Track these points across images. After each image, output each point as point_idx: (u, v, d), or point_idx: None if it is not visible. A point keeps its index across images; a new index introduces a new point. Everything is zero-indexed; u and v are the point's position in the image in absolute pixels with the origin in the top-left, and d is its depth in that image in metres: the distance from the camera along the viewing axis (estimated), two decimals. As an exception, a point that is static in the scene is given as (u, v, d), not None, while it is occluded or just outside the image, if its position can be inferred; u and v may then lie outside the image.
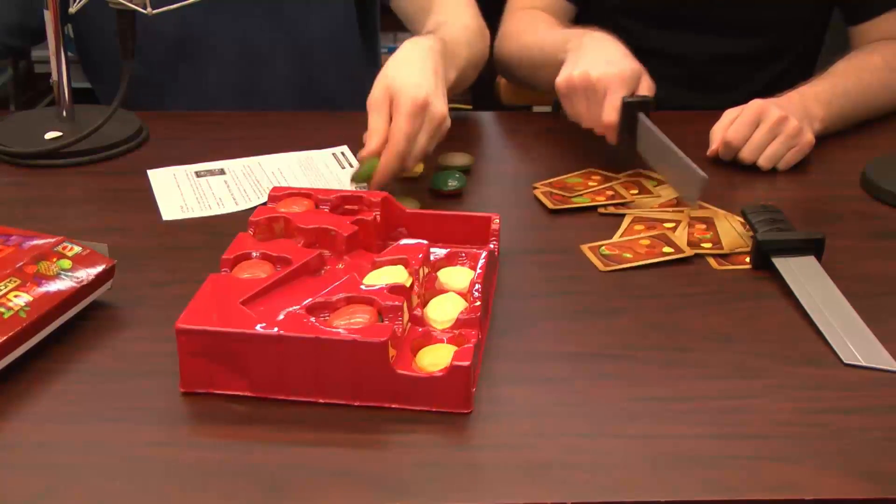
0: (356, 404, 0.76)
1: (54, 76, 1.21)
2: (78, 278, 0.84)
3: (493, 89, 1.76)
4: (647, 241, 1.00)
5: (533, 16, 1.40)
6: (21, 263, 0.83)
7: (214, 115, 1.34)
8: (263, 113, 1.35)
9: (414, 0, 1.37)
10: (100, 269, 0.86)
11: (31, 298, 0.80)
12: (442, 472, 0.70)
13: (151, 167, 1.17)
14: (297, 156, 1.21)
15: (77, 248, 0.87)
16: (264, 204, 0.96)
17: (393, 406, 0.76)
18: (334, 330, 0.76)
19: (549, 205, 1.07)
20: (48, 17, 1.17)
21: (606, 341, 0.86)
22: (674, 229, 1.03)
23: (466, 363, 0.74)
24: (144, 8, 1.11)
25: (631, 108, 1.11)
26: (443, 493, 0.69)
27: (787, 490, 0.69)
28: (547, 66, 1.24)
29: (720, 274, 0.96)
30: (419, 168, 1.14)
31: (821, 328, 0.86)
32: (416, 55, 1.09)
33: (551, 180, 1.14)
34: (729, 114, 1.18)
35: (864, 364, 0.82)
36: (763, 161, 1.16)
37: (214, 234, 1.00)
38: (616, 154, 1.16)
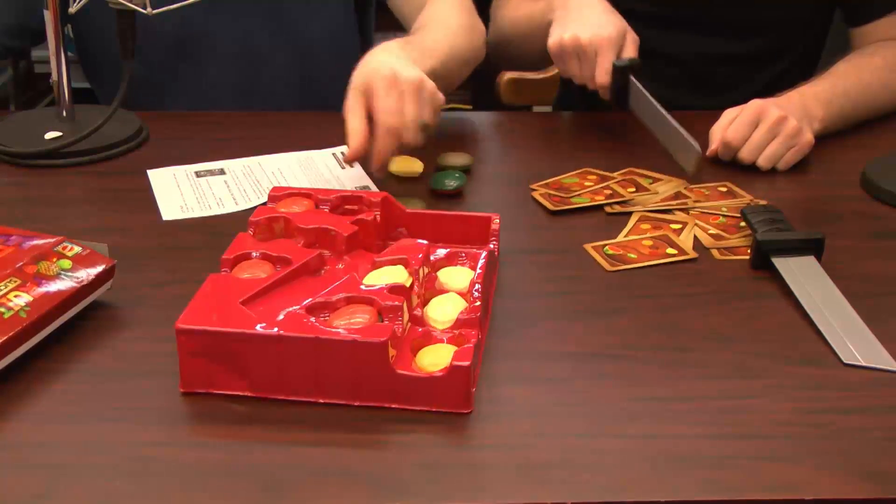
0: (356, 404, 0.76)
1: (54, 76, 1.21)
2: (78, 278, 0.84)
3: (493, 89, 1.76)
4: (649, 242, 1.00)
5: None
6: (21, 263, 0.83)
7: (214, 115, 1.34)
8: (263, 113, 1.35)
9: (409, 0, 1.37)
10: (100, 269, 0.86)
11: (31, 298, 0.80)
12: (442, 472, 0.70)
13: (151, 167, 1.17)
14: (297, 156, 1.21)
15: (77, 248, 0.87)
16: (264, 204, 0.96)
17: (393, 406, 0.76)
18: (334, 330, 0.76)
19: (550, 206, 1.07)
20: (48, 17, 1.17)
21: (606, 341, 0.86)
22: (679, 232, 1.03)
23: (466, 363, 0.74)
24: (144, 8, 1.11)
25: (622, 70, 1.20)
26: (443, 493, 0.69)
27: (787, 490, 0.69)
28: (536, 32, 1.29)
29: (720, 274, 0.96)
30: (419, 168, 1.14)
31: (821, 328, 0.86)
32: (377, 54, 1.11)
33: (548, 181, 1.14)
34: (728, 114, 1.18)
35: (863, 364, 0.82)
36: (762, 161, 1.16)
37: (214, 234, 1.00)
38: (610, 108, 1.24)
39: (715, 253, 0.99)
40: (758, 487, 0.69)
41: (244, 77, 1.41)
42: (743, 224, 1.02)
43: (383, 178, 1.11)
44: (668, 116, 1.15)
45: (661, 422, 0.76)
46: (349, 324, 0.78)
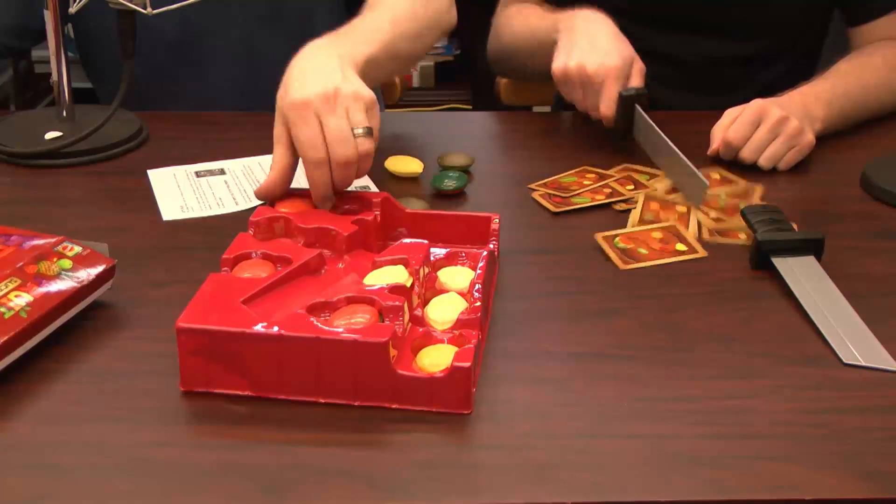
0: (356, 404, 0.76)
1: (54, 76, 1.21)
2: (78, 278, 0.84)
3: (493, 89, 1.76)
4: (659, 235, 1.00)
5: (524, 7, 1.41)
6: (21, 263, 0.83)
7: (214, 115, 1.34)
8: (263, 113, 1.34)
9: None
10: (100, 269, 0.86)
11: (31, 298, 0.80)
12: (442, 472, 0.70)
13: (151, 167, 1.17)
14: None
15: (77, 248, 0.87)
16: (264, 204, 0.96)
17: (393, 406, 0.76)
18: (334, 330, 0.76)
19: (552, 207, 1.07)
20: (48, 17, 1.17)
21: (606, 341, 0.86)
22: (686, 218, 1.04)
23: (467, 364, 0.74)
24: (144, 8, 1.11)
25: (628, 101, 1.17)
26: (443, 493, 0.69)
27: (787, 490, 0.69)
28: (540, 51, 1.25)
29: (720, 274, 0.96)
30: (419, 168, 1.14)
31: (820, 328, 0.86)
32: (300, 61, 1.00)
33: (545, 181, 1.14)
34: (729, 113, 1.18)
35: (863, 364, 0.82)
36: (763, 161, 1.16)
37: (214, 234, 1.00)
38: (612, 138, 1.21)
39: (711, 237, 1.01)
40: (758, 487, 0.69)
41: (244, 77, 1.41)
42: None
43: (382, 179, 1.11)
44: (674, 147, 1.11)
45: (661, 422, 0.76)
46: (350, 324, 0.78)
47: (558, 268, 0.98)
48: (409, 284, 0.83)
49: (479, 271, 0.87)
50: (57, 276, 0.83)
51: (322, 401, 0.77)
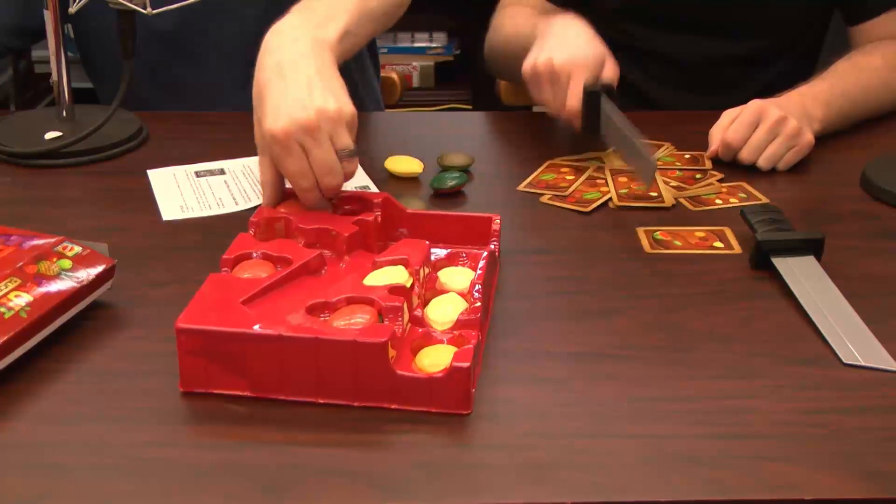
0: (356, 404, 0.76)
1: (54, 76, 1.21)
2: (78, 278, 0.84)
3: (493, 89, 1.76)
4: (702, 234, 1.01)
5: (518, 10, 1.40)
6: (21, 263, 0.83)
7: (214, 115, 1.34)
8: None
9: None
10: (100, 269, 0.86)
11: (31, 298, 0.80)
12: (442, 472, 0.70)
13: (151, 167, 1.17)
14: (297, 156, 1.20)
15: (77, 248, 0.87)
16: (264, 204, 0.96)
17: (393, 406, 0.76)
18: (335, 330, 0.76)
19: (581, 209, 1.07)
20: (48, 17, 1.17)
21: (606, 341, 0.86)
22: (704, 176, 1.12)
23: (466, 364, 0.74)
24: (144, 8, 1.11)
25: (593, 95, 1.13)
26: (443, 493, 0.69)
27: (787, 490, 0.69)
28: (522, 54, 1.24)
29: (720, 274, 0.96)
30: (419, 168, 1.14)
31: (820, 328, 0.86)
32: (266, 55, 0.99)
33: (530, 179, 1.14)
34: (728, 114, 1.18)
35: (863, 364, 0.82)
36: (763, 161, 1.16)
37: (214, 234, 1.00)
38: (577, 138, 1.19)
39: (686, 203, 1.08)
40: (758, 487, 0.69)
41: (245, 77, 1.40)
42: (699, 176, 1.11)
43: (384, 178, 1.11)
44: (626, 129, 1.09)
45: (661, 422, 0.76)
46: (349, 324, 0.78)
47: (558, 268, 0.98)
48: (409, 285, 0.83)
49: (479, 272, 0.87)
50: (57, 276, 0.83)
51: (322, 401, 0.77)
